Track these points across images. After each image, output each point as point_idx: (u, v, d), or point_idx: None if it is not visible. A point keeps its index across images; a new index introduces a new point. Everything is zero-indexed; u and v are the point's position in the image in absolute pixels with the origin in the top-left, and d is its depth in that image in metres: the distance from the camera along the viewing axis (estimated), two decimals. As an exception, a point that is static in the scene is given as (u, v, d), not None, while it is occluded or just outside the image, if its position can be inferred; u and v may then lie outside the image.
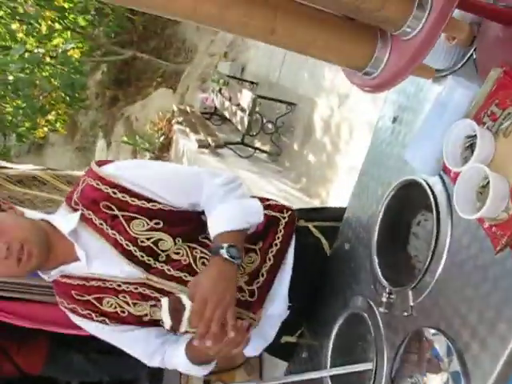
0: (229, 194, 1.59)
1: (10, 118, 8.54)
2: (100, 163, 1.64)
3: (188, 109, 7.85)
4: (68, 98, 9.68)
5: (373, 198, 1.55)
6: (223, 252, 1.41)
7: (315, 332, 1.74)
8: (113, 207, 1.55)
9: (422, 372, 1.18)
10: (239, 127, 6.31)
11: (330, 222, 1.82)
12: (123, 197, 1.55)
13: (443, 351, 1.13)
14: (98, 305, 1.61)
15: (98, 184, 1.56)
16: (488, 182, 1.01)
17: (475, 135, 1.05)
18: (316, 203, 4.99)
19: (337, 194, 4.52)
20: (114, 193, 1.55)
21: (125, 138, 8.06)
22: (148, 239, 1.55)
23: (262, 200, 1.73)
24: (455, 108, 1.15)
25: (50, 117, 9.77)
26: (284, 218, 1.71)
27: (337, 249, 1.74)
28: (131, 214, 1.55)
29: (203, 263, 1.57)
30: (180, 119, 7.58)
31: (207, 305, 1.36)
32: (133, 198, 1.55)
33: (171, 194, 1.58)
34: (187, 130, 7.06)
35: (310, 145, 5.46)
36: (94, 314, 1.63)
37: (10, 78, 7.93)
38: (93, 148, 11.09)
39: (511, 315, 0.99)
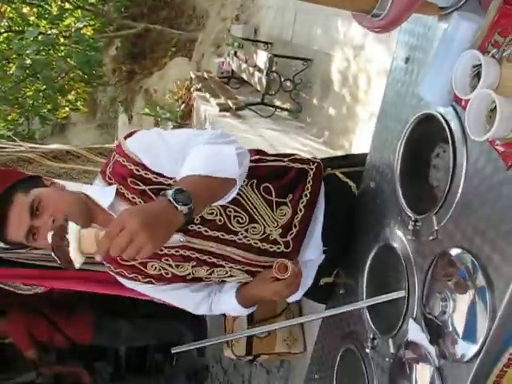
0: (206, 143, 1.56)
1: (31, 101, 8.67)
2: (127, 136, 1.68)
3: (205, 75, 7.90)
4: (86, 76, 9.79)
5: (393, 136, 1.64)
6: (169, 193, 1.25)
7: (350, 269, 1.84)
8: (139, 183, 1.60)
9: (451, 290, 1.28)
10: (258, 88, 6.36)
11: (356, 167, 1.89)
12: (146, 174, 1.60)
13: (468, 268, 1.23)
14: (142, 268, 1.70)
15: (123, 161, 1.62)
16: (495, 106, 1.08)
17: (480, 64, 1.12)
18: (340, 154, 5.06)
19: (360, 143, 4.58)
20: (137, 170, 1.60)
21: (146, 110, 8.16)
22: None
23: (286, 155, 1.81)
24: (461, 41, 1.22)
25: (70, 96, 9.90)
26: (311, 168, 1.78)
27: (363, 189, 1.83)
28: (158, 187, 1.59)
29: (238, 221, 1.65)
30: (199, 86, 7.64)
31: (123, 232, 1.17)
32: (155, 175, 1.60)
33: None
34: (207, 95, 7.12)
35: (329, 98, 5.50)
36: (140, 277, 1.72)
37: (27, 61, 8.03)
38: (115, 123, 11.23)
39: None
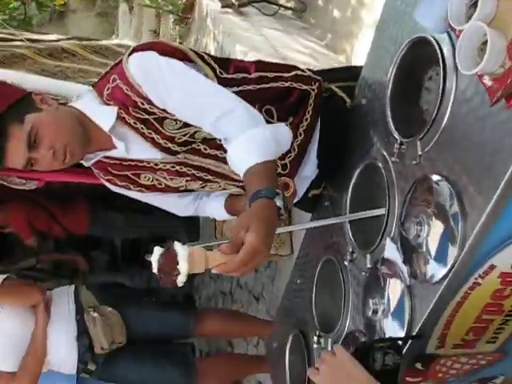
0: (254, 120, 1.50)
1: (28, -16, 8.38)
2: (131, 52, 1.57)
3: (209, -34, 7.58)
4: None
5: (387, 56, 1.62)
6: (278, 200, 1.28)
7: (336, 183, 1.88)
8: (141, 112, 1.57)
9: (428, 214, 1.33)
10: (263, -17, 6.13)
11: (352, 81, 1.87)
12: (151, 108, 1.56)
13: (445, 195, 1.27)
14: (135, 178, 1.72)
15: (127, 90, 1.55)
16: (487, 39, 1.08)
17: (478, -7, 1.11)
18: (341, 59, 4.97)
19: (362, 49, 4.49)
20: (142, 103, 1.56)
21: (147, 1, 7.90)
22: (184, 135, 1.60)
23: (287, 69, 1.77)
24: (462, -34, 1.19)
25: (69, -19, 9.55)
26: (313, 90, 1.76)
27: (355, 105, 1.83)
28: (160, 115, 1.57)
29: None
30: (201, -23, 7.35)
31: (255, 259, 1.20)
32: (160, 111, 1.56)
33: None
34: (209, -11, 6.87)
35: (335, 0, 5.33)
36: (131, 186, 1.74)
37: None
38: (115, 13, 10.87)
39: (504, 160, 1.11)
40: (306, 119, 1.74)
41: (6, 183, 3.26)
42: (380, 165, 1.59)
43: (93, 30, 10.99)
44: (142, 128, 1.58)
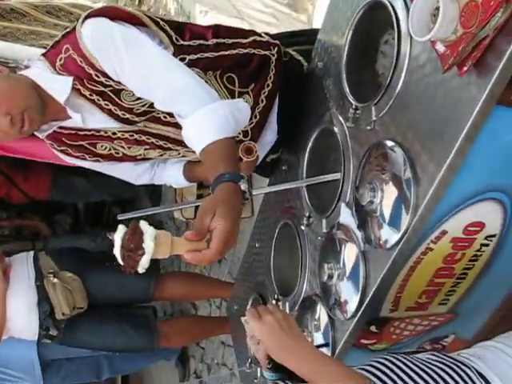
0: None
1: None
2: (84, 19, 1.50)
3: None
4: None
5: (343, 19, 1.60)
6: (243, 183, 1.25)
7: (293, 147, 1.88)
8: (97, 85, 1.53)
9: (382, 180, 1.34)
10: None
11: (310, 45, 1.85)
12: (106, 81, 1.52)
13: (398, 161, 1.27)
14: (91, 148, 1.68)
15: (81, 62, 1.50)
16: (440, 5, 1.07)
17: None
18: (303, 18, 4.91)
19: (323, 9, 4.45)
20: (97, 76, 1.51)
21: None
22: (143, 106, 1.57)
23: (245, 35, 1.73)
24: None
25: None
26: (273, 55, 1.74)
27: (311, 68, 1.82)
28: (117, 87, 1.53)
29: None
30: None
31: (227, 246, 1.18)
32: (116, 83, 1.53)
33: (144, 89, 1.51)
34: None
35: (296, -45, 5.23)
36: (87, 156, 1.70)
37: None
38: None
39: (454, 128, 1.11)
40: (268, 85, 1.72)
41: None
42: (335, 129, 1.58)
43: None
44: (99, 100, 1.54)
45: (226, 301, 3.33)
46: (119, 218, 1.76)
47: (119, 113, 1.57)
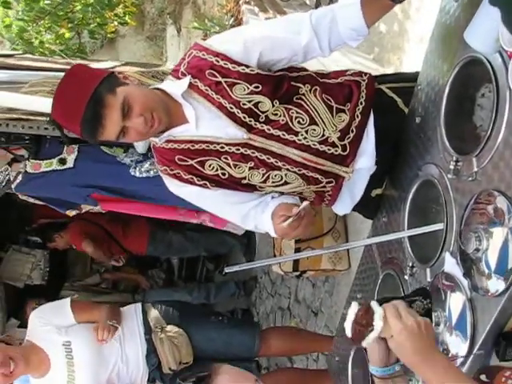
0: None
1: (81, 16, 8.68)
2: (205, 39, 1.84)
3: (254, -14, 7.71)
4: (133, -12, 9.67)
5: (439, 75, 1.67)
6: None
7: (397, 183, 1.92)
8: (216, 74, 1.74)
9: (486, 228, 1.37)
10: (307, 1, 6.22)
11: (402, 82, 1.96)
12: (225, 64, 1.73)
13: (504, 210, 1.30)
14: (200, 168, 1.81)
15: (203, 54, 1.75)
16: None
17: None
18: (390, 72, 5.00)
19: (410, 62, 4.51)
20: (217, 61, 1.73)
21: (195, 24, 8.09)
22: (249, 102, 1.74)
23: (339, 72, 1.89)
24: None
25: (119, 10, 9.85)
26: (364, 80, 1.87)
27: (409, 122, 1.87)
28: (233, 80, 1.73)
29: (299, 122, 1.77)
30: (247, -1, 7.49)
31: None
32: (233, 65, 1.72)
33: (273, 49, 1.75)
34: (256, 9, 7.00)
35: (381, 13, 5.35)
36: (196, 178, 1.83)
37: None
38: (163, 35, 11.15)
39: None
40: (361, 103, 1.83)
41: (77, 211, 3.42)
42: (436, 181, 1.63)
43: (143, 52, 11.30)
44: (212, 94, 1.74)
45: (324, 354, 3.34)
46: (226, 271, 1.86)
47: (228, 106, 1.74)
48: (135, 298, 5.14)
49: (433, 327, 1.27)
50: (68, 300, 2.88)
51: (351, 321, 1.27)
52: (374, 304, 1.25)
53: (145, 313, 2.91)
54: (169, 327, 2.85)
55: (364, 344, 1.25)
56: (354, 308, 1.28)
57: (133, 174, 3.21)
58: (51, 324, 2.73)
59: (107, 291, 5.22)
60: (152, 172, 3.12)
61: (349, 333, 1.28)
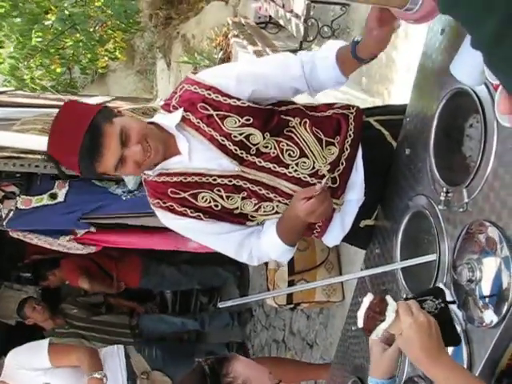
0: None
1: (72, 52, 8.78)
2: (195, 72, 1.87)
3: (243, 21, 7.83)
4: (123, 25, 9.79)
5: (427, 106, 1.69)
6: None
7: (387, 222, 1.92)
8: (208, 107, 1.76)
9: (479, 259, 1.37)
10: (295, 34, 6.31)
11: (390, 115, 1.98)
12: (216, 97, 1.76)
13: (495, 240, 1.31)
14: (193, 201, 1.82)
15: (195, 88, 1.78)
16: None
17: None
18: (378, 102, 5.05)
19: (398, 92, 4.57)
20: (209, 94, 1.76)
21: (185, 58, 8.19)
22: (240, 134, 1.76)
23: (327, 106, 1.91)
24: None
25: (110, 45, 9.97)
26: (352, 112, 1.90)
27: (398, 154, 1.89)
28: (224, 113, 1.76)
29: (289, 155, 1.80)
30: (236, 32, 7.60)
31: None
32: (225, 98, 1.75)
33: (265, 85, 1.79)
34: (244, 42, 7.09)
35: (368, 44, 5.43)
36: (189, 211, 1.83)
37: (66, 12, 8.08)
38: (153, 69, 11.27)
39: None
40: (350, 135, 1.86)
41: (65, 250, 3.40)
42: (428, 212, 1.63)
43: (133, 86, 11.39)
44: (204, 126, 1.76)
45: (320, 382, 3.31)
46: (220, 306, 1.85)
47: (219, 138, 1.76)
48: (131, 321, 5.07)
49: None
50: (46, 343, 2.86)
51: (365, 308, 1.31)
52: (388, 297, 1.29)
53: (128, 357, 2.89)
54: (154, 373, 2.83)
55: (373, 335, 1.29)
56: (369, 297, 1.32)
57: (124, 199, 3.22)
58: (29, 367, 2.71)
59: (105, 312, 5.18)
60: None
61: (360, 322, 1.32)
